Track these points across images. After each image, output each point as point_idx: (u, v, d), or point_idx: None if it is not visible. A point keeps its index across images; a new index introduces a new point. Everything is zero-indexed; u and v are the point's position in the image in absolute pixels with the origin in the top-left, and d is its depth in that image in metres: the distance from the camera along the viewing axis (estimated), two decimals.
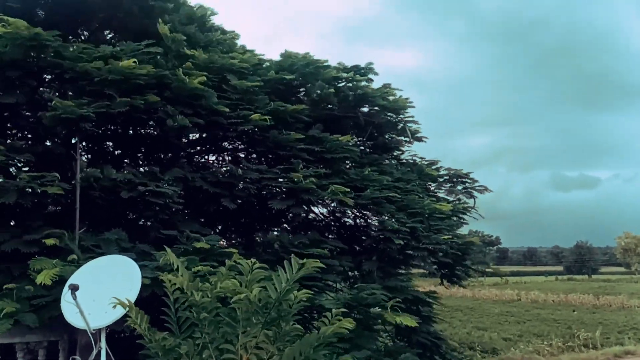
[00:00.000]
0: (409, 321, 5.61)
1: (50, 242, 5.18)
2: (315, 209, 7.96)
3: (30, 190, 5.19)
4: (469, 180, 10.10)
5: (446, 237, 7.45)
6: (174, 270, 3.90)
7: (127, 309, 3.78)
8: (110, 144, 7.58)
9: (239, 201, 6.72)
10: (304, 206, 7.00)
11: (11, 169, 5.93)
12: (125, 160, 7.62)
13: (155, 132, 6.59)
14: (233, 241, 7.79)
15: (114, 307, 3.86)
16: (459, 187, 10.12)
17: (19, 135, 6.99)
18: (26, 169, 6.00)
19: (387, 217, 7.27)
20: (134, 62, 5.85)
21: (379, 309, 5.80)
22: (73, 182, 5.79)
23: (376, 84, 8.73)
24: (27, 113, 6.57)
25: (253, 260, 3.78)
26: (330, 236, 8.25)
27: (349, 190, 6.77)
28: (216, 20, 8.67)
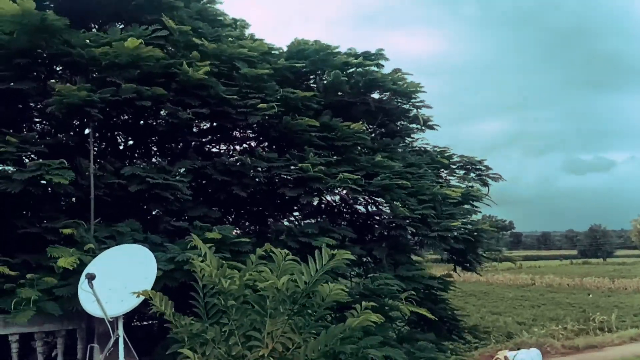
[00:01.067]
0: (426, 312, 5.56)
1: (67, 231, 5.23)
2: (327, 196, 7.95)
3: (39, 177, 5.17)
4: (482, 168, 10.04)
5: (456, 223, 7.40)
6: (191, 260, 3.94)
7: (150, 297, 3.82)
8: (121, 135, 7.61)
9: (250, 190, 6.73)
10: (315, 194, 6.99)
11: (25, 161, 5.95)
12: (137, 151, 7.67)
13: (164, 123, 6.59)
14: (246, 230, 7.82)
15: (138, 295, 3.91)
16: (472, 175, 10.07)
17: (31, 126, 7.03)
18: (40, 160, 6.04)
19: (398, 204, 7.25)
20: (141, 42, 5.81)
21: (391, 300, 5.78)
22: (87, 173, 5.84)
23: (387, 69, 8.67)
24: (38, 105, 6.62)
25: (286, 251, 3.79)
26: (343, 223, 8.26)
27: (358, 177, 6.75)
28: (228, 16, 8.65)
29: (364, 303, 3.71)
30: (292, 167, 6.59)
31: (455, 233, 7.40)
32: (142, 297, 4.25)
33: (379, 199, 7.83)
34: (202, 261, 3.87)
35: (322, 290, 3.45)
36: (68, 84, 5.55)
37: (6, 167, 5.50)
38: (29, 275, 5.01)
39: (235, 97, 6.58)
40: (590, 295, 24.83)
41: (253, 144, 8.04)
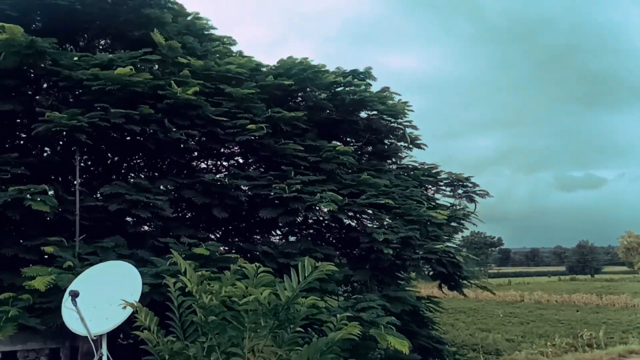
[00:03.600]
0: (401, 345, 5.30)
1: (49, 249, 5.17)
2: (310, 215, 7.91)
3: (20, 201, 5.11)
4: (469, 185, 10.11)
5: (440, 245, 7.38)
6: (177, 275, 3.92)
7: (136, 310, 3.79)
8: (108, 152, 7.58)
9: (230, 211, 6.69)
10: (294, 214, 6.95)
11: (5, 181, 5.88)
12: (124, 167, 7.64)
13: (152, 142, 6.57)
14: (233, 249, 7.81)
15: (124, 307, 3.88)
16: (460, 191, 10.13)
17: (16, 144, 6.98)
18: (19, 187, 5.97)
19: (378, 226, 7.23)
20: (130, 69, 5.86)
21: (372, 329, 5.64)
22: (73, 189, 5.81)
23: (381, 85, 8.76)
24: (24, 121, 6.60)
25: (258, 264, 3.78)
26: (331, 239, 8.24)
27: (340, 198, 6.71)
28: (217, 31, 8.72)
29: (344, 315, 3.70)
30: (273, 186, 6.55)
31: (439, 256, 7.36)
32: (126, 315, 4.22)
33: (363, 217, 7.82)
34: (176, 278, 3.84)
35: (298, 302, 3.47)
36: (55, 112, 5.54)
37: None
38: (6, 295, 4.93)
39: (224, 118, 6.60)
40: (579, 312, 24.89)
41: (240, 160, 8.04)
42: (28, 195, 5.15)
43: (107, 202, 5.79)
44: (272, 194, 6.50)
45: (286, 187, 6.41)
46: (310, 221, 8.18)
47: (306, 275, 3.42)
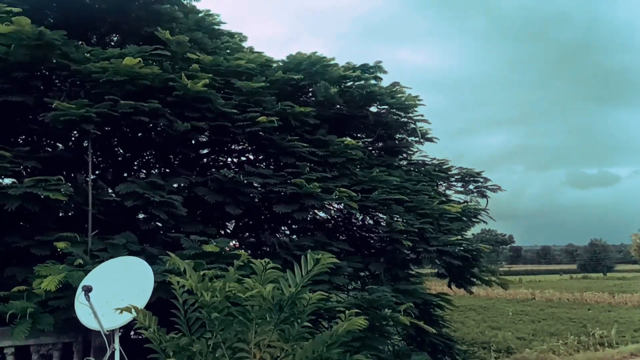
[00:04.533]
0: (424, 325, 5.44)
1: (61, 245, 5.18)
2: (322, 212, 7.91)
3: (35, 193, 5.14)
4: (481, 180, 10.05)
5: (454, 238, 7.35)
6: (182, 273, 3.92)
7: (134, 313, 3.79)
8: (119, 146, 7.61)
9: (243, 208, 6.69)
10: (308, 210, 6.94)
11: (19, 174, 5.93)
12: (135, 162, 7.66)
13: (163, 135, 6.57)
14: (243, 244, 7.80)
15: (120, 312, 3.88)
16: (471, 187, 10.07)
17: (28, 139, 7.03)
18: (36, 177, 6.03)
19: (395, 219, 7.21)
20: (139, 60, 5.85)
21: (390, 311, 5.72)
22: (84, 185, 5.83)
23: (387, 82, 8.70)
24: (35, 113, 6.63)
25: (267, 260, 3.79)
26: (341, 237, 8.22)
27: (355, 194, 6.69)
28: (228, 26, 8.73)
29: (352, 310, 3.69)
30: (286, 184, 6.53)
31: (453, 248, 7.33)
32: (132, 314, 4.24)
33: (377, 214, 7.80)
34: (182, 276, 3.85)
35: (304, 297, 3.45)
36: (65, 102, 5.56)
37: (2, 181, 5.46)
38: (21, 287, 4.96)
39: (234, 110, 6.59)
40: (590, 310, 24.70)
41: (251, 156, 8.03)
42: (43, 185, 5.16)
43: (123, 199, 5.80)
44: (287, 191, 6.46)
45: (304, 182, 6.38)
46: (323, 216, 8.17)
47: (309, 269, 3.41)
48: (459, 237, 7.43)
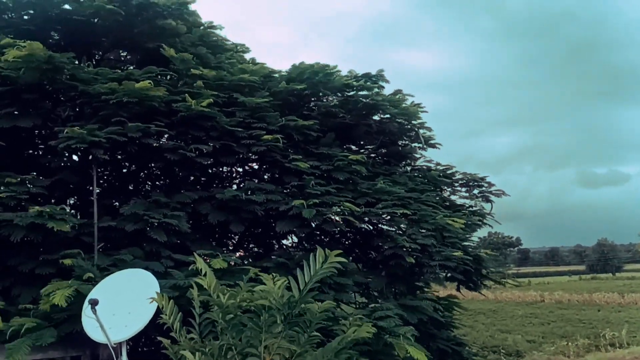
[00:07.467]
0: (420, 355, 5.23)
1: (68, 262, 5.20)
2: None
3: (40, 223, 5.18)
4: (485, 185, 10.05)
5: (458, 253, 7.28)
6: (192, 286, 3.99)
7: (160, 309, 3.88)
8: (125, 163, 7.66)
9: (247, 224, 6.71)
10: (310, 226, 6.91)
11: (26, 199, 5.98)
12: (140, 177, 7.70)
13: (169, 153, 6.63)
14: (247, 254, 7.82)
15: (151, 301, 3.98)
16: (475, 192, 10.08)
17: (32, 154, 7.08)
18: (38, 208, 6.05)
19: (400, 232, 7.20)
20: (150, 82, 5.97)
21: (391, 338, 5.52)
22: (91, 209, 5.89)
23: (399, 85, 8.74)
24: (43, 132, 6.71)
25: (275, 274, 3.86)
26: (346, 243, 8.22)
27: (358, 209, 6.70)
28: (235, 32, 8.80)
29: (357, 316, 3.73)
30: (287, 202, 6.53)
31: (456, 263, 7.30)
32: (144, 323, 4.29)
33: (381, 226, 7.76)
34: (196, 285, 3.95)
35: (312, 308, 3.51)
36: (75, 128, 5.64)
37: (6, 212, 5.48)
38: (28, 305, 5.01)
39: (238, 128, 6.64)
40: (600, 311, 24.56)
41: (255, 165, 8.05)
42: (47, 216, 5.23)
43: (123, 223, 5.85)
44: (289, 209, 6.47)
45: (304, 203, 6.40)
46: (324, 229, 8.18)
47: (317, 269, 3.46)
48: (461, 253, 7.37)
